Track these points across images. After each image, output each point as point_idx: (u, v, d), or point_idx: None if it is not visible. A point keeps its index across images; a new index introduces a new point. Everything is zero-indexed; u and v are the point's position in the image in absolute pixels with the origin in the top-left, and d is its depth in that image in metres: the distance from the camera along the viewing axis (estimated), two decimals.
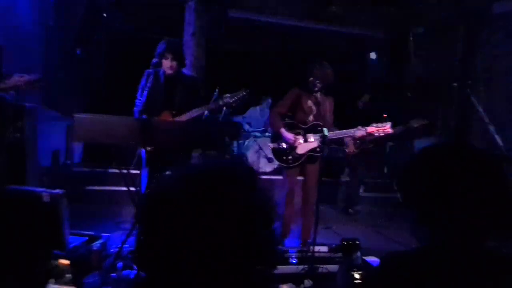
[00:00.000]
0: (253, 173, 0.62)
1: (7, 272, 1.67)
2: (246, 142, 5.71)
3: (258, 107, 6.46)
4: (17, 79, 2.64)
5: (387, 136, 3.32)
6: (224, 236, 0.52)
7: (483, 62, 4.64)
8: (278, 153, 3.18)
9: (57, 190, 2.01)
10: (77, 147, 5.44)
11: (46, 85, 4.26)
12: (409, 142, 6.73)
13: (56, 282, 1.10)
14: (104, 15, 5.83)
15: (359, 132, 3.06)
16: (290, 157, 3.12)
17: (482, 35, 4.67)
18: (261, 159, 5.43)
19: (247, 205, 0.55)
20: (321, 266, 2.53)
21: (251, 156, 5.49)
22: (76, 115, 2.14)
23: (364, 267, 1.16)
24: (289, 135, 3.06)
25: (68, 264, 1.05)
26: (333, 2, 5.71)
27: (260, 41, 6.88)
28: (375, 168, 5.95)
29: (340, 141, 4.93)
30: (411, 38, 6.00)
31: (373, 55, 7.81)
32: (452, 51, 5.11)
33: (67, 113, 4.74)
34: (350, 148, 4.54)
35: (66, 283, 1.08)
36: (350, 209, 4.74)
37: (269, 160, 5.26)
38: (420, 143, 6.40)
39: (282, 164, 3.18)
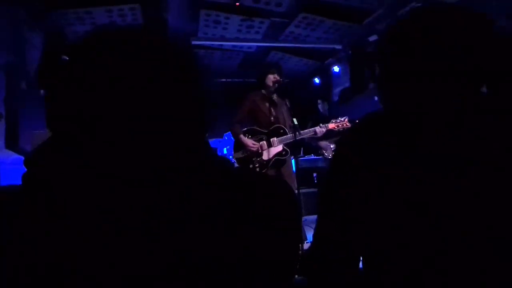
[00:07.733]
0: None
1: None
2: None
3: None
4: None
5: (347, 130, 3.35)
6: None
7: None
8: (243, 162, 3.06)
9: None
10: None
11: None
12: None
13: None
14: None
15: (320, 129, 3.10)
16: (256, 165, 3.02)
17: None
18: None
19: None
20: None
21: None
22: (36, 131, 2.03)
23: None
24: (249, 142, 2.97)
25: None
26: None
27: (226, 65, 7.02)
28: None
29: (317, 148, 4.94)
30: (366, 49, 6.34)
31: (336, 68, 8.16)
32: None
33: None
34: (329, 152, 4.54)
35: None
36: None
37: None
38: None
39: None
